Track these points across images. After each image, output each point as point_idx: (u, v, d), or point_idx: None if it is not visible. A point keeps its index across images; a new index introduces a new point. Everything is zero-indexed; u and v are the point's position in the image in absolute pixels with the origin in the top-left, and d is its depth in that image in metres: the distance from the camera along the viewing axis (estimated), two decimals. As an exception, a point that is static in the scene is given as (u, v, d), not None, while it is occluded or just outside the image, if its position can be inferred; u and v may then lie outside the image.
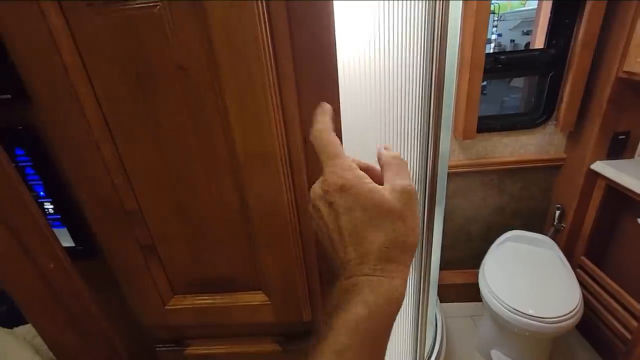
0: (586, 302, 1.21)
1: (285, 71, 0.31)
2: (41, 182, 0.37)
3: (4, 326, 0.82)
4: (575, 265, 1.37)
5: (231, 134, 0.33)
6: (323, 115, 0.29)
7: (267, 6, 0.28)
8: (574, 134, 1.32)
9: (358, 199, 0.25)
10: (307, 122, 0.34)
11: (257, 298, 0.41)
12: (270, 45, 0.29)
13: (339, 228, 0.26)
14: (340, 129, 0.36)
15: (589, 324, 1.32)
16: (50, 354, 0.74)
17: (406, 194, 0.26)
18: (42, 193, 0.37)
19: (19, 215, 0.30)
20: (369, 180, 0.26)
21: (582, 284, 1.27)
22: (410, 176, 0.28)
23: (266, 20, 0.28)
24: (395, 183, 0.26)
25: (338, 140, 0.28)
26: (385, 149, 0.29)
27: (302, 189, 0.37)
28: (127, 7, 0.28)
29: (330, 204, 0.26)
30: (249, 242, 0.39)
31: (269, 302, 0.41)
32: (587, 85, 1.22)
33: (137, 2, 0.28)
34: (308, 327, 0.45)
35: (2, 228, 0.29)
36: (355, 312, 0.23)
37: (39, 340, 0.77)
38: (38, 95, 0.31)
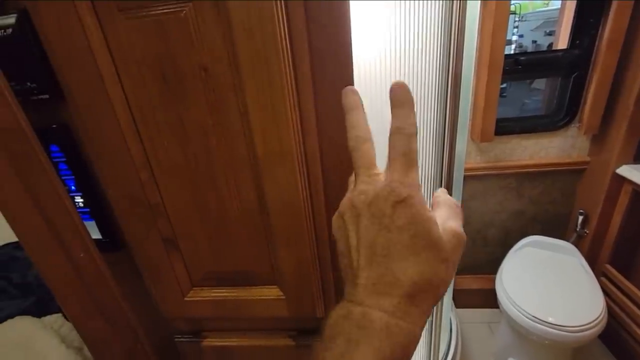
0: (610, 311, 1.16)
1: (303, 71, 0.32)
2: (73, 178, 0.39)
3: (33, 315, 0.87)
4: (599, 273, 1.32)
5: (250, 133, 0.34)
6: (407, 115, 0.25)
7: (286, 6, 0.30)
8: (599, 137, 1.28)
9: (415, 221, 0.22)
10: (323, 121, 0.35)
11: (272, 292, 0.42)
12: (288, 45, 0.30)
13: (373, 243, 0.22)
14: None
15: (613, 333, 1.27)
16: (75, 342, 0.78)
17: (456, 240, 0.23)
18: (73, 187, 0.40)
19: (54, 206, 0.32)
20: (429, 209, 0.23)
21: (606, 293, 1.22)
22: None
23: (285, 20, 0.30)
24: (448, 224, 0.23)
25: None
26: (441, 191, 0.27)
27: (317, 186, 0.38)
28: (156, 11, 0.30)
29: (379, 216, 0.22)
30: (266, 238, 0.40)
31: (283, 297, 0.42)
32: (613, 86, 1.18)
33: (165, 6, 0.30)
34: (321, 323, 0.45)
35: (39, 218, 0.32)
36: None
37: (64, 330, 0.81)
38: (73, 95, 0.34)
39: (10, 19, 0.30)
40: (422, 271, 0.21)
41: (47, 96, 0.34)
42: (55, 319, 0.85)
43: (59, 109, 0.36)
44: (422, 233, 0.22)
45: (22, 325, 0.79)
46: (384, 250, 0.22)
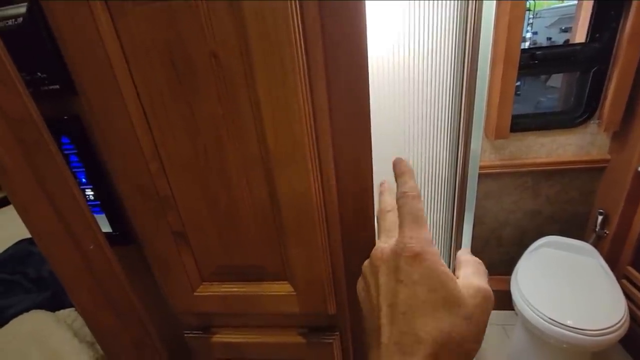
0: (632, 315, 1.11)
1: (316, 58, 0.31)
2: (83, 170, 0.39)
3: (47, 310, 0.88)
4: (620, 275, 1.27)
5: (262, 124, 0.33)
6: (407, 178, 0.29)
7: (298, -8, 0.29)
8: (620, 134, 1.23)
9: (430, 275, 0.22)
10: (336, 111, 0.34)
11: (282, 288, 0.41)
12: (301, 31, 0.29)
13: (393, 300, 0.23)
14: (369, 126, 0.35)
15: (635, 338, 1.22)
16: (87, 336, 0.78)
17: (481, 296, 0.23)
18: (83, 180, 0.40)
19: (64, 198, 0.32)
20: (444, 264, 0.23)
21: (627, 296, 1.18)
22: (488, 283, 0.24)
23: (297, 5, 0.29)
24: (472, 280, 0.24)
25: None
26: (464, 251, 0.27)
27: (329, 180, 0.37)
28: (166, -2, 0.29)
29: (395, 270, 0.23)
30: (277, 233, 0.39)
31: (294, 293, 0.41)
32: (635, 81, 1.13)
33: (174, -7, 0.29)
34: (332, 320, 0.44)
35: (50, 209, 0.31)
36: None
37: (77, 324, 0.82)
38: (83, 85, 0.33)
39: (21, 9, 0.30)
40: (441, 327, 0.21)
41: (57, 87, 0.34)
42: (68, 313, 0.86)
43: (70, 100, 0.36)
44: (438, 287, 0.22)
45: (36, 319, 0.80)
46: (404, 306, 0.22)
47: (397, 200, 0.28)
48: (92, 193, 0.40)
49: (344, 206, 0.38)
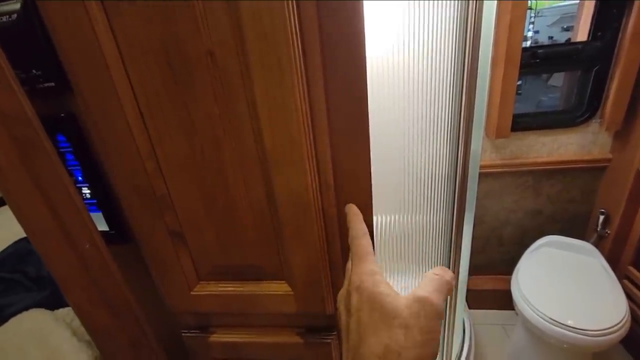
0: (633, 315, 1.11)
1: (313, 58, 0.31)
2: (79, 168, 0.39)
3: (46, 308, 0.88)
4: (622, 275, 1.26)
5: (258, 123, 0.33)
6: (355, 222, 0.32)
7: (295, -10, 0.28)
8: (622, 133, 1.23)
9: (368, 299, 0.25)
10: (334, 110, 0.33)
11: (280, 288, 0.41)
12: (298, 29, 0.29)
13: (347, 329, 0.26)
14: (368, 126, 0.35)
15: (636, 338, 1.21)
16: (86, 335, 0.78)
17: (418, 304, 0.24)
18: (80, 178, 0.39)
19: (59, 196, 0.32)
20: (386, 286, 0.25)
21: (629, 296, 1.17)
22: (443, 294, 0.25)
23: (294, 4, 0.28)
24: (415, 292, 0.25)
25: (369, 243, 0.30)
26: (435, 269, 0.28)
27: (327, 179, 0.36)
28: (161, -5, 0.29)
29: (346, 306, 0.27)
30: (274, 232, 0.39)
31: (291, 293, 0.41)
32: (637, 80, 1.13)
33: (170, -10, 0.29)
34: (330, 320, 0.44)
35: (44, 207, 0.31)
36: None
37: (76, 323, 0.82)
38: (78, 83, 0.33)
39: (15, 5, 0.30)
40: (382, 342, 0.23)
41: (52, 84, 0.33)
42: (67, 312, 0.86)
43: (65, 98, 0.35)
44: (377, 306, 0.24)
45: (36, 318, 0.80)
46: (354, 335, 0.25)
47: (349, 242, 0.32)
48: (88, 191, 0.40)
49: (342, 206, 0.38)
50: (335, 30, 0.30)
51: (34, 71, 0.32)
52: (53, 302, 0.92)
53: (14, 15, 0.30)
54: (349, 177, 0.36)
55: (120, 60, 0.32)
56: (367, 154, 0.35)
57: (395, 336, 0.23)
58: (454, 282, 0.27)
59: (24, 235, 1.16)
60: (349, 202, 0.37)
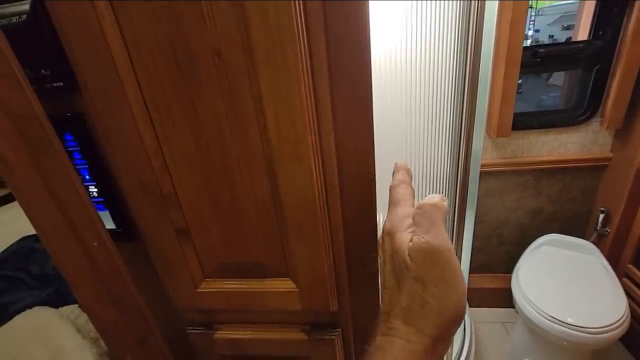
0: (632, 313, 1.11)
1: (319, 55, 0.31)
2: (87, 167, 0.39)
3: (51, 306, 0.88)
4: (622, 273, 1.27)
5: (264, 120, 0.33)
6: (396, 173, 0.33)
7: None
8: (622, 132, 1.23)
9: (394, 250, 0.26)
10: (339, 108, 0.34)
11: (285, 285, 0.42)
12: (304, 27, 0.29)
13: (383, 272, 0.27)
14: (372, 124, 0.35)
15: (636, 336, 1.22)
16: (91, 332, 0.79)
17: (421, 253, 0.23)
18: (87, 177, 0.40)
19: (67, 194, 0.32)
20: (405, 235, 0.26)
21: (628, 294, 1.18)
22: (440, 224, 0.25)
23: (300, 2, 0.29)
24: (415, 239, 0.24)
25: (407, 192, 0.30)
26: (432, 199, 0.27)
27: (332, 177, 0.37)
28: (169, -6, 0.29)
29: (383, 250, 0.28)
30: (279, 229, 0.39)
31: (296, 290, 0.41)
32: (638, 79, 1.13)
33: (178, -11, 0.29)
34: (334, 317, 0.44)
35: (54, 205, 0.32)
36: None
37: (81, 321, 0.82)
38: (85, 82, 0.33)
39: (25, 5, 0.30)
40: (405, 295, 0.24)
41: (61, 84, 0.34)
42: (71, 309, 0.86)
43: (73, 97, 0.36)
44: (400, 261, 0.25)
45: (40, 315, 0.81)
46: (384, 278, 0.26)
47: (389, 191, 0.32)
48: (95, 190, 0.41)
49: (347, 202, 0.38)
50: (341, 29, 0.31)
51: (42, 71, 0.33)
52: (57, 299, 0.92)
53: (24, 16, 0.30)
54: (353, 173, 0.37)
55: (128, 58, 0.32)
56: (372, 150, 0.36)
57: (415, 290, 0.23)
58: (445, 202, 0.26)
59: (28, 233, 1.16)
60: (353, 201, 0.38)
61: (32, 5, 0.31)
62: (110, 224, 0.42)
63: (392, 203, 0.30)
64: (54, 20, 0.31)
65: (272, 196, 0.37)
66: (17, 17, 0.31)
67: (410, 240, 0.24)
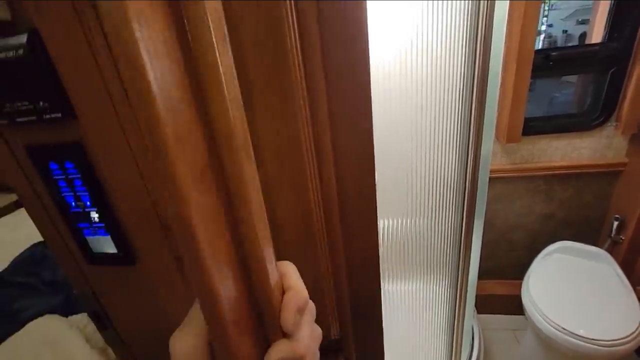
0: (648, 325, 1.08)
1: (314, 61, 0.30)
2: (87, 194, 0.39)
3: (60, 313, 0.90)
4: (636, 282, 1.23)
5: (260, 152, 0.33)
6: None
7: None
8: (638, 137, 1.19)
9: None
10: (337, 115, 0.33)
11: (285, 312, 0.41)
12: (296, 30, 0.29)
13: None
14: (372, 130, 0.34)
15: (651, 349, 1.18)
16: (99, 343, 0.80)
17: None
18: (88, 203, 0.40)
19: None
20: None
21: (644, 305, 1.14)
22: None
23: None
24: None
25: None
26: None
27: (331, 201, 0.36)
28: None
29: None
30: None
31: (296, 317, 0.41)
32: (656, 83, 1.09)
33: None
34: (337, 344, 0.44)
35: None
36: None
37: (89, 330, 0.83)
38: (82, 112, 0.33)
39: (21, 39, 0.30)
40: None
41: (59, 115, 0.34)
42: (80, 318, 0.88)
43: (72, 127, 0.36)
44: None
45: (50, 325, 0.83)
46: None
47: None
48: (97, 215, 0.41)
49: (347, 223, 0.38)
50: (337, 36, 0.30)
51: (41, 102, 0.33)
52: (67, 306, 0.94)
53: (20, 50, 0.30)
54: (354, 192, 0.36)
55: (122, 87, 0.32)
56: (372, 174, 0.35)
57: None
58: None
59: (39, 239, 1.19)
60: (355, 225, 0.37)
61: (29, 38, 0.31)
62: (111, 249, 0.42)
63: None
64: (51, 53, 0.31)
65: (270, 221, 0.37)
66: (14, 50, 0.31)
67: None
